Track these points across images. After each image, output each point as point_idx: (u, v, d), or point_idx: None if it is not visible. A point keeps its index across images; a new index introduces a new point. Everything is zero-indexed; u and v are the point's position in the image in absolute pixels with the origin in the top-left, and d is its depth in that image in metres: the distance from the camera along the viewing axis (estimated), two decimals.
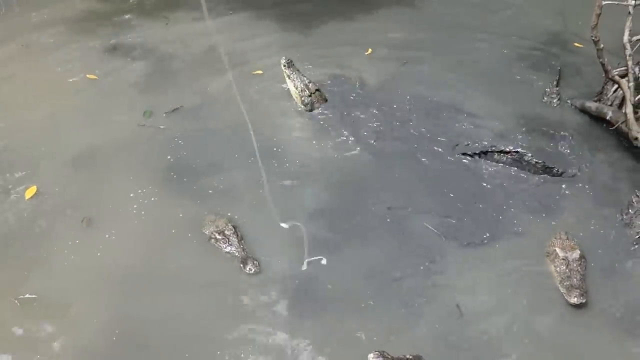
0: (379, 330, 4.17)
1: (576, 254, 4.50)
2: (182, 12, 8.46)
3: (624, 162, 5.58)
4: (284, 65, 6.31)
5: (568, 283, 4.30)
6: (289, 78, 6.32)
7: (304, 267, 4.56)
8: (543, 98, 6.47)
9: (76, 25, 8.12)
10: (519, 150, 5.46)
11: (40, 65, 7.19)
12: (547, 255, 4.61)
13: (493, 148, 5.55)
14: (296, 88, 6.27)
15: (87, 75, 6.97)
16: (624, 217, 4.93)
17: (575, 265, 4.42)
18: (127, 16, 8.36)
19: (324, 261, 4.61)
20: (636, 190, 5.17)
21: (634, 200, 5.04)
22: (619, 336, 4.11)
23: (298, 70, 6.35)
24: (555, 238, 4.72)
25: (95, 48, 7.56)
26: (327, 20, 8.20)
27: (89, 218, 5.01)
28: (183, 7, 8.57)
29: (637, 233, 4.78)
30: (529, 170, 5.40)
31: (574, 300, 4.19)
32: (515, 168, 5.47)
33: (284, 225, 4.85)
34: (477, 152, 5.58)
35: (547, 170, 5.38)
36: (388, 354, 3.61)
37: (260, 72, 6.97)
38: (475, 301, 4.37)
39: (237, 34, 7.87)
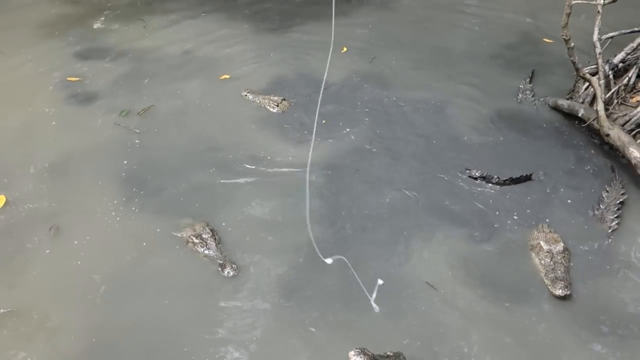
0: (362, 327, 4.17)
1: (560, 246, 4.57)
2: (159, 15, 8.40)
3: (595, 158, 5.66)
4: (246, 96, 6.53)
5: (552, 275, 4.35)
6: (255, 101, 6.49)
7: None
8: (518, 95, 6.56)
9: (51, 29, 8.00)
10: (485, 175, 5.40)
11: (15, 70, 7.06)
12: (531, 249, 4.66)
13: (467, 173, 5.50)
14: (265, 103, 6.44)
15: (68, 78, 6.88)
16: (596, 212, 5.02)
17: (559, 257, 4.48)
18: (102, 19, 8.29)
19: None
20: (605, 186, 5.27)
21: (604, 196, 5.15)
22: (591, 333, 4.15)
23: (259, 94, 6.55)
24: (538, 231, 4.78)
25: (70, 51, 7.48)
26: (301, 21, 8.21)
27: (57, 226, 4.89)
28: (159, 10, 8.51)
29: (610, 227, 4.87)
30: (497, 184, 5.36)
31: (559, 292, 4.24)
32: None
33: (328, 261, 4.38)
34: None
35: (514, 181, 5.35)
36: (368, 351, 3.60)
37: (227, 76, 6.95)
38: (457, 293, 4.41)
39: (211, 36, 7.83)
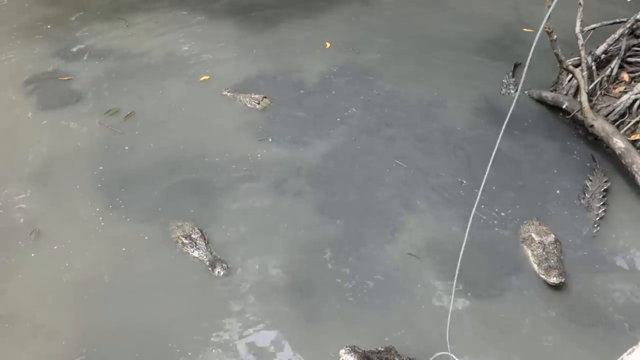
0: (353, 321, 4.19)
1: (551, 237, 4.63)
2: (140, 13, 8.31)
3: (580, 149, 5.71)
4: (226, 95, 6.51)
5: (546, 264, 4.40)
6: (236, 99, 6.45)
7: None
8: (501, 90, 6.57)
9: (31, 29, 7.89)
10: None
11: None
12: (523, 241, 4.71)
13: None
14: (246, 102, 6.41)
15: (60, 77, 6.84)
16: (582, 201, 5.10)
17: (551, 248, 4.54)
18: (83, 19, 8.16)
19: None
20: (588, 175, 5.34)
21: (588, 185, 5.23)
22: (578, 324, 4.19)
23: (241, 93, 6.51)
24: (528, 224, 4.84)
25: (51, 52, 7.37)
26: (283, 20, 8.15)
27: (38, 230, 4.84)
28: (140, 8, 8.42)
29: (597, 215, 4.95)
30: None
31: (554, 280, 4.29)
32: None
33: None
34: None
35: None
36: (359, 348, 3.58)
37: (206, 77, 6.87)
38: (444, 283, 4.45)
39: (192, 35, 7.75)
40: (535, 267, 4.48)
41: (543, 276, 4.37)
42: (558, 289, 4.35)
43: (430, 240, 4.80)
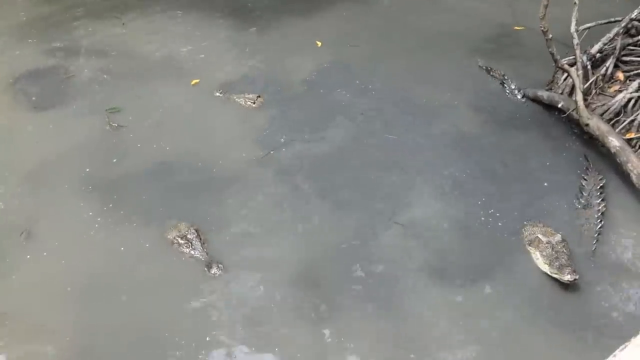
0: (357, 321, 4.17)
1: (558, 237, 4.63)
2: (135, 13, 8.23)
3: (576, 148, 5.73)
4: (220, 96, 6.49)
5: (558, 263, 4.37)
6: (229, 100, 6.43)
7: None
8: (507, 94, 6.51)
9: (26, 28, 7.79)
10: None
11: None
12: (529, 244, 4.69)
13: None
14: (240, 102, 6.39)
15: (55, 77, 6.77)
16: (581, 200, 5.11)
17: (559, 247, 4.53)
18: (78, 19, 8.05)
19: None
20: (582, 174, 5.37)
21: (583, 184, 5.25)
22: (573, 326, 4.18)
23: (234, 93, 6.49)
24: (532, 227, 4.83)
25: (45, 52, 7.27)
26: (279, 18, 8.13)
27: (28, 230, 4.78)
28: (135, 8, 8.36)
29: (599, 211, 4.96)
30: None
31: (568, 277, 4.25)
32: None
33: None
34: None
35: None
36: None
37: (197, 80, 6.78)
38: (438, 286, 4.44)
39: (186, 36, 7.69)
40: (547, 267, 4.43)
41: (556, 275, 4.33)
42: (564, 288, 4.34)
43: (433, 237, 4.81)
